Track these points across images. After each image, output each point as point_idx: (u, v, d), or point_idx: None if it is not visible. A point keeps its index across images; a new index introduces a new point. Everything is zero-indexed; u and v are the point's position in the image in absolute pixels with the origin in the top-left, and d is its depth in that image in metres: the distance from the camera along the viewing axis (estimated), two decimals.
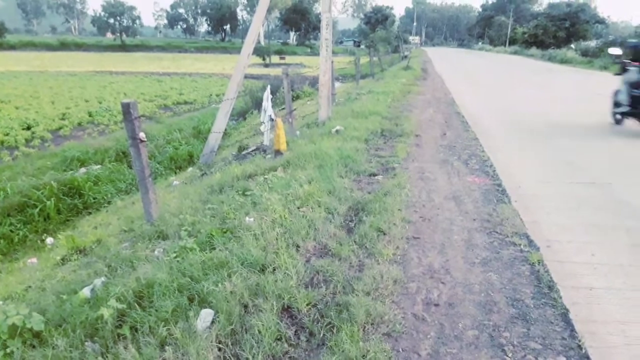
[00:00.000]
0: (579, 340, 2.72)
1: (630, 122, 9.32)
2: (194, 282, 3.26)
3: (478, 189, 5.58)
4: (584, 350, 2.63)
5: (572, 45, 57.87)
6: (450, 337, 2.76)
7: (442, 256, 3.82)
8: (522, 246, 3.97)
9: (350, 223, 4.49)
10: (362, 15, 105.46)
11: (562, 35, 59.31)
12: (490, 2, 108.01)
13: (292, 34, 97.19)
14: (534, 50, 53.97)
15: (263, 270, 3.40)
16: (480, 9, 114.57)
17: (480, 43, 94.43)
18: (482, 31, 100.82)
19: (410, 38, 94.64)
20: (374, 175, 6.10)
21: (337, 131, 8.50)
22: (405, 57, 39.58)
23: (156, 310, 2.95)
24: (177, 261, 3.57)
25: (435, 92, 15.99)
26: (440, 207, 4.95)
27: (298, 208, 4.65)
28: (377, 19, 79.09)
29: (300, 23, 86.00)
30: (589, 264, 3.67)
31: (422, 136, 8.63)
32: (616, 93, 9.57)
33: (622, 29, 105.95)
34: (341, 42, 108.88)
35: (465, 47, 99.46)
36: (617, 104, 9.46)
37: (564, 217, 4.65)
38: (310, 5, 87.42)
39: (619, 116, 9.49)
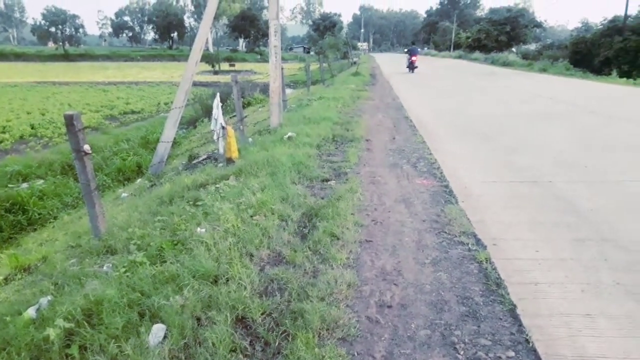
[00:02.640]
0: (526, 335, 2.83)
1: (559, 121, 9.78)
2: (145, 297, 3.18)
3: (427, 190, 5.71)
4: (531, 344, 2.74)
5: (513, 49, 60.35)
6: (404, 338, 2.82)
7: (394, 258, 3.89)
8: (470, 245, 4.10)
9: (304, 229, 4.50)
10: (310, 22, 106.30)
11: (503, 39, 61.66)
12: (434, 8, 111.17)
13: (241, 40, 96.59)
14: (477, 54, 55.84)
15: (216, 281, 3.36)
16: (425, 15, 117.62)
17: (426, 48, 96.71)
18: (427, 36, 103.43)
19: (359, 44, 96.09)
20: (327, 180, 6.14)
21: (289, 137, 8.51)
22: (355, 63, 40.13)
23: (106, 328, 2.86)
24: (127, 276, 3.47)
25: (384, 97, 16.27)
26: (392, 210, 5.04)
27: (251, 216, 4.62)
28: (326, 26, 79.87)
29: (249, 30, 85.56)
30: (533, 260, 3.82)
31: (372, 141, 8.76)
32: None
33: (559, 33, 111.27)
34: (291, 49, 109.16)
35: (411, 52, 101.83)
36: None
37: (509, 216, 4.83)
38: (259, 12, 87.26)
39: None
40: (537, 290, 3.33)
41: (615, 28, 34.59)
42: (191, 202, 5.17)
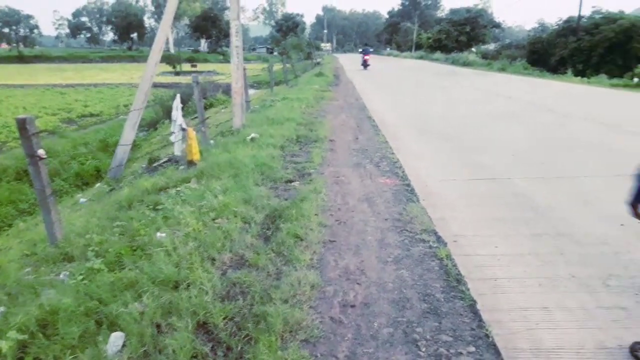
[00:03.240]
0: (486, 330, 2.88)
1: (526, 119, 10.05)
2: (103, 305, 3.09)
3: (389, 189, 5.76)
4: (490, 339, 2.79)
5: (473, 49, 61.64)
6: (367, 337, 2.83)
7: (357, 257, 3.90)
8: (431, 242, 4.15)
9: (267, 231, 4.46)
10: (273, 23, 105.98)
11: (463, 39, 62.94)
12: (396, 8, 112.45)
13: (203, 41, 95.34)
14: (438, 54, 56.82)
15: (176, 287, 3.29)
16: (387, 16, 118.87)
17: (388, 49, 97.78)
18: (389, 37, 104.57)
19: (322, 45, 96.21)
20: (291, 181, 6.12)
21: (252, 139, 8.44)
22: (318, 63, 40.26)
23: (62, 338, 2.77)
24: (84, 284, 3.37)
25: (348, 98, 16.35)
26: (355, 210, 5.06)
27: (213, 220, 4.56)
28: (288, 26, 79.87)
29: (211, 30, 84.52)
30: (493, 256, 3.90)
31: (336, 141, 8.79)
32: None
33: (517, 33, 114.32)
34: (254, 49, 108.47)
35: (375, 52, 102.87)
36: None
37: (469, 213, 4.92)
38: (220, 13, 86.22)
39: None
40: (497, 286, 3.40)
41: (570, 28, 35.84)
42: (151, 207, 5.06)
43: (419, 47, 74.40)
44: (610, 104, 14.61)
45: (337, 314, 3.08)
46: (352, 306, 3.16)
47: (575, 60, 32.94)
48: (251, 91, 20.67)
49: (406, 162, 7.12)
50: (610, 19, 33.70)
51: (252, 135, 8.62)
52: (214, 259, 3.80)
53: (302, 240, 4.18)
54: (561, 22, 39.18)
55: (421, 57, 59.91)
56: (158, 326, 2.89)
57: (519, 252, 3.96)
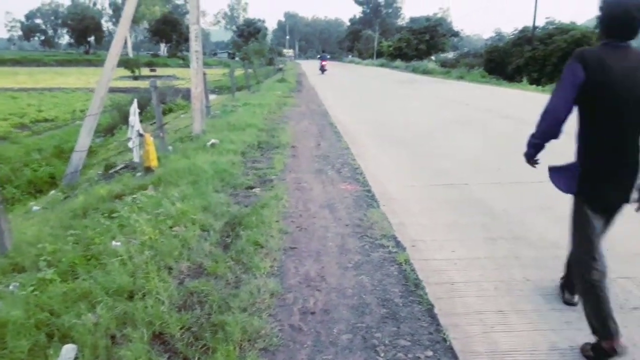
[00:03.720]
0: (444, 334, 2.91)
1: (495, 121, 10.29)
2: (55, 316, 2.98)
3: (350, 195, 5.80)
4: (448, 343, 2.83)
5: (433, 57, 62.96)
6: (326, 344, 2.82)
7: (317, 264, 3.89)
8: (390, 247, 4.19)
9: (226, 239, 4.40)
10: (235, 28, 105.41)
11: (423, 47, 64.13)
12: (357, 16, 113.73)
13: (162, 45, 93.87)
14: (399, 62, 57.74)
15: (132, 297, 3.20)
16: (349, 23, 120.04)
17: (350, 56, 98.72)
18: (351, 44, 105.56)
19: (285, 51, 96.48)
20: (252, 188, 6.08)
21: (212, 145, 8.35)
22: (280, 69, 40.20)
23: (10, 352, 2.65)
24: (35, 295, 3.23)
25: (310, 104, 16.41)
26: (316, 216, 5.07)
27: (170, 228, 4.47)
28: (250, 32, 79.61)
29: (171, 34, 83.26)
30: (450, 260, 3.96)
31: (298, 147, 8.79)
32: None
33: (475, 42, 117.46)
34: (215, 54, 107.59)
35: (337, 59, 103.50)
36: None
37: (427, 218, 5.00)
38: (181, 17, 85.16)
39: None
40: (454, 289, 3.46)
41: (525, 38, 37.04)
42: (106, 215, 4.92)
43: (380, 54, 75.37)
44: None
45: (297, 321, 3.06)
46: (312, 313, 3.15)
47: (531, 69, 34.05)
48: (212, 96, 20.48)
49: (367, 168, 7.18)
50: (563, 29, 35.06)
51: (212, 141, 8.53)
52: (170, 268, 3.73)
53: (262, 247, 4.14)
54: (517, 32, 40.43)
55: (382, 65, 60.71)
56: (112, 337, 2.81)
57: (475, 256, 4.05)
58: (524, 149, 2.98)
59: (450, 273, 3.73)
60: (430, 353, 2.74)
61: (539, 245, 4.25)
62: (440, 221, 4.90)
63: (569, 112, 2.68)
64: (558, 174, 2.94)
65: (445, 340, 2.85)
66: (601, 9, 2.58)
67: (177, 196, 5.25)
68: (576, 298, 3.18)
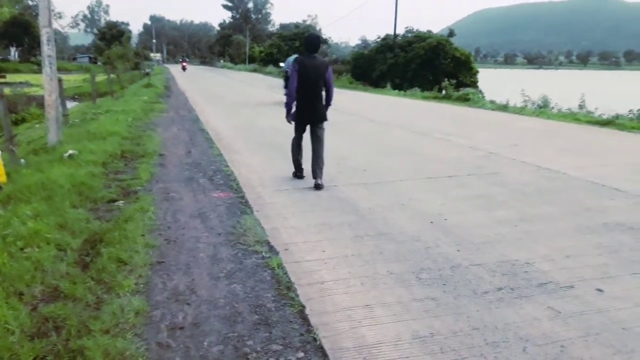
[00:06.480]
0: (314, 333, 2.97)
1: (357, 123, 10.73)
2: None
3: (223, 203, 5.70)
4: (318, 342, 2.88)
5: None
6: (196, 358, 2.73)
7: (187, 277, 3.76)
8: (263, 253, 4.19)
9: (86, 258, 4.08)
10: (96, 31, 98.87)
11: (292, 53, 65.25)
12: (227, 21, 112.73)
13: (13, 49, 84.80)
14: (271, 67, 58.24)
15: None
16: (218, 28, 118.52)
17: (222, 61, 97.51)
18: (222, 49, 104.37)
19: (152, 55, 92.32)
20: (114, 201, 5.71)
21: (70, 156, 7.71)
22: (147, 74, 38.48)
23: None
24: None
25: (180, 110, 15.89)
26: (186, 227, 4.90)
27: (21, 249, 4.04)
28: (113, 35, 75.11)
29: (22, 37, 75.53)
30: (320, 260, 4.06)
31: (166, 155, 8.45)
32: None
33: (343, 49, 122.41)
34: (75, 59, 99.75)
35: (208, 64, 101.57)
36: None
37: (299, 220, 5.09)
38: (34, 19, 77.54)
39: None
40: (324, 289, 3.55)
41: (387, 45, 39.41)
42: None
43: (252, 60, 75.44)
44: (422, 113, 16.40)
45: (165, 338, 2.93)
46: (181, 328, 3.03)
47: (393, 74, 36.34)
48: (72, 104, 19.01)
49: (240, 174, 7.13)
50: (421, 37, 37.94)
51: (70, 152, 7.88)
52: (22, 294, 3.36)
53: (126, 264, 3.90)
54: (380, 39, 42.89)
55: (255, 70, 60.85)
56: None
57: (343, 254, 4.19)
58: (284, 110, 6.55)
59: (321, 273, 3.82)
60: (301, 354, 2.77)
61: (401, 240, 4.53)
62: (311, 222, 5.02)
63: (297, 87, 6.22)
64: (292, 115, 6.54)
65: (315, 340, 2.90)
66: (305, 39, 6.74)
67: (29, 214, 4.77)
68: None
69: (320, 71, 6.23)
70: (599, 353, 2.77)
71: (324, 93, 6.42)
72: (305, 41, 6.62)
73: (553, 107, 17.11)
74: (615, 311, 3.24)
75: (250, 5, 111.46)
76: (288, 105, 6.39)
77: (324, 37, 75.48)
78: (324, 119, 6.47)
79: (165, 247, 4.36)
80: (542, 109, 16.64)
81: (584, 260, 4.09)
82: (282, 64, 21.50)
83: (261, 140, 10.20)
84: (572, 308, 3.28)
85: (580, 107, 15.97)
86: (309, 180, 6.77)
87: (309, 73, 6.16)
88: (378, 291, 3.53)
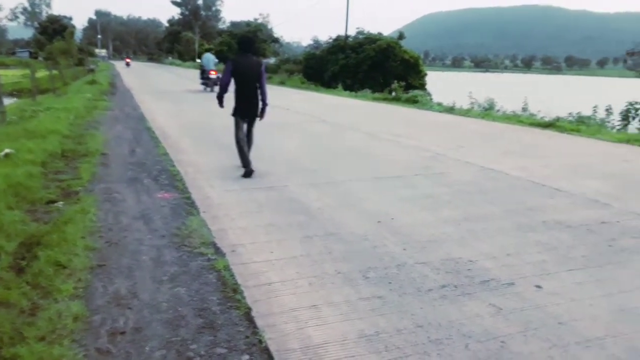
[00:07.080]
0: (260, 335, 2.94)
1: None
2: None
3: (168, 204, 5.57)
4: (264, 344, 2.86)
5: None
6: None
7: (129, 280, 3.65)
8: (209, 255, 4.11)
9: (21, 261, 3.88)
10: (36, 24, 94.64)
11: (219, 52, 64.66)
12: (176, 17, 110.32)
13: None
14: (221, 65, 57.38)
15: None
16: (167, 24, 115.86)
17: (170, 58, 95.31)
18: (171, 46, 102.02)
19: (97, 51, 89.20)
20: (53, 202, 5.47)
21: (6, 155, 7.33)
22: (92, 70, 37.16)
23: None
24: None
25: (125, 108, 15.43)
26: (129, 229, 4.75)
27: None
28: (55, 29, 72.08)
29: None
30: (268, 261, 4.03)
31: (109, 155, 8.18)
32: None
33: (295, 48, 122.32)
34: (14, 53, 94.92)
35: (156, 61, 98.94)
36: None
37: (247, 221, 5.04)
38: None
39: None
40: (271, 290, 3.52)
41: (339, 46, 39.60)
42: None
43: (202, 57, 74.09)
44: (372, 114, 16.61)
45: (105, 343, 2.82)
46: (122, 333, 2.94)
47: (345, 75, 36.54)
48: (10, 100, 18.09)
49: (187, 174, 6.99)
50: (371, 39, 38.35)
51: (7, 151, 7.49)
52: None
53: (64, 267, 3.74)
54: (331, 40, 43.03)
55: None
56: None
57: (292, 255, 4.18)
58: (216, 101, 7.13)
59: (268, 274, 3.79)
60: (246, 357, 2.74)
61: (349, 240, 4.56)
62: (259, 223, 4.97)
63: (229, 82, 6.72)
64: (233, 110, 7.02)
65: (261, 342, 2.88)
66: (239, 39, 7.47)
67: None
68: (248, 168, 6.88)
69: (254, 70, 6.71)
70: (536, 347, 2.88)
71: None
72: (239, 41, 7.29)
73: (498, 110, 17.69)
74: (553, 306, 3.38)
75: (200, 2, 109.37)
76: (219, 96, 7.01)
77: (275, 36, 75.32)
78: (258, 115, 7.16)
79: (106, 250, 4.21)
80: (488, 111, 17.17)
81: (524, 257, 4.25)
82: (198, 60, 22.02)
83: (209, 139, 10.05)
84: (512, 304, 3.40)
85: (524, 109, 16.60)
86: (258, 180, 6.73)
87: (244, 71, 6.66)
88: (325, 291, 3.53)
